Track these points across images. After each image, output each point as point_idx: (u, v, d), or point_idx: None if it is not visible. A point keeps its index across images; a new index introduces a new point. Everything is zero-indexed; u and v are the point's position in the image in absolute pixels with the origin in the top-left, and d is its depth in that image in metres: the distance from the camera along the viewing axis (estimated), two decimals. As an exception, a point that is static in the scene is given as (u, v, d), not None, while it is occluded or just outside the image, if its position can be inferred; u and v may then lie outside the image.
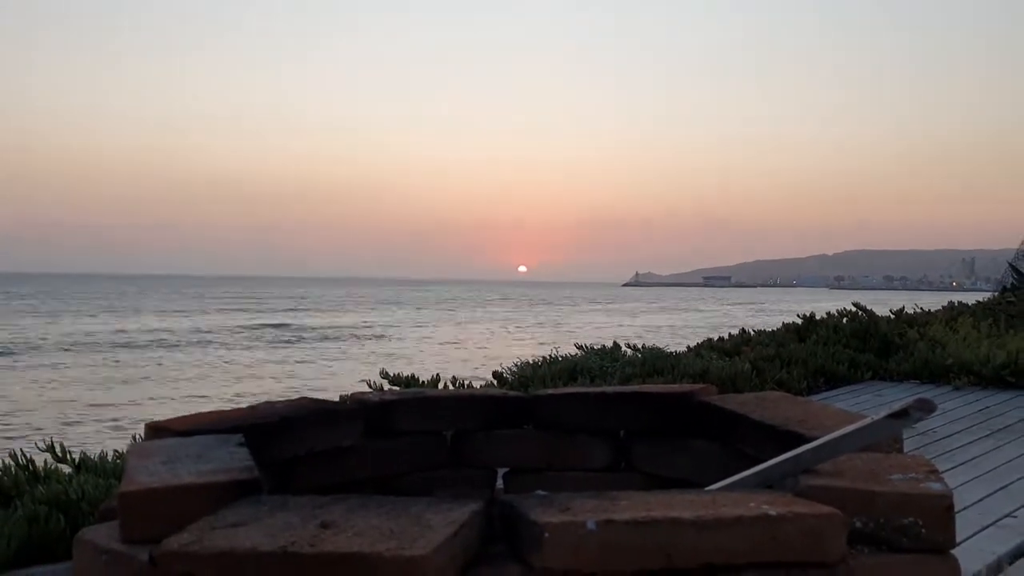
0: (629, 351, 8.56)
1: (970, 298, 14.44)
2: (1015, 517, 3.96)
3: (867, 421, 1.75)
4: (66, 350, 32.72)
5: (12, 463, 3.74)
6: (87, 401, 19.39)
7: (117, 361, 29.01)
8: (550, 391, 2.76)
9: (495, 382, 7.53)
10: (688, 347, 9.35)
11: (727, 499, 1.53)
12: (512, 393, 2.76)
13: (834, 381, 8.27)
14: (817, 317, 10.01)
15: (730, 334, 9.97)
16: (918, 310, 11.93)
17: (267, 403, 2.46)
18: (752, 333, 9.91)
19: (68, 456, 3.90)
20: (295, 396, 2.70)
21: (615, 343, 8.91)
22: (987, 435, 5.94)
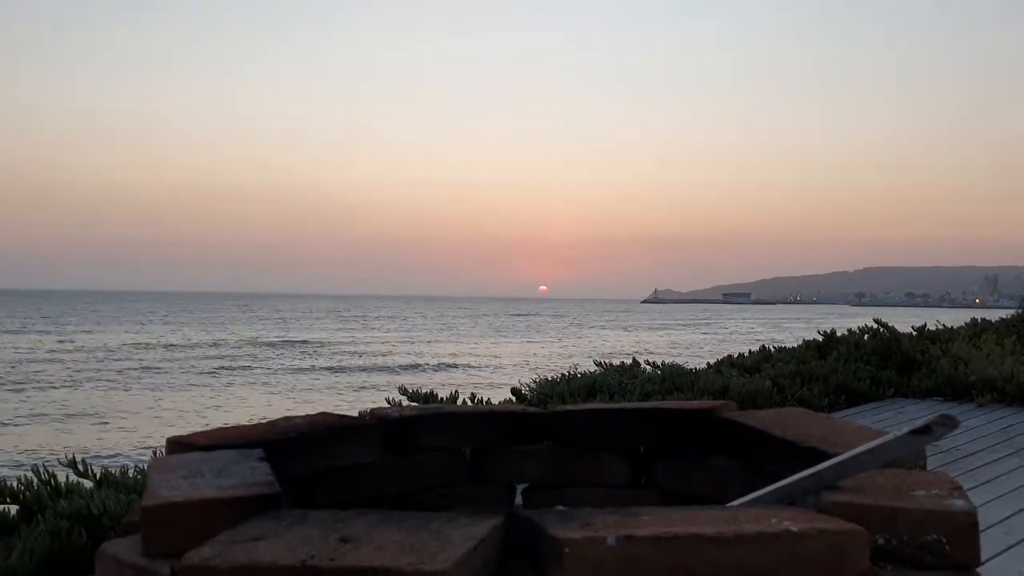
0: (648, 368, 8.54)
1: (993, 315, 14.31)
2: (1041, 536, 3.91)
3: (889, 437, 1.74)
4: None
5: (35, 478, 3.77)
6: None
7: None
8: (569, 407, 2.75)
9: (514, 398, 7.52)
10: (708, 364, 9.32)
11: (749, 515, 1.52)
12: (531, 409, 2.75)
13: (856, 398, 8.21)
14: (838, 334, 9.96)
15: (750, 351, 9.93)
16: (940, 327, 11.84)
17: (287, 418, 2.46)
18: (772, 350, 9.86)
19: (90, 471, 3.93)
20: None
21: (634, 360, 8.89)
22: (1011, 453, 5.88)
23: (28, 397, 24.94)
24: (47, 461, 4.08)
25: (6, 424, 19.59)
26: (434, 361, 39.13)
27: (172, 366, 34.98)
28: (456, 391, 6.89)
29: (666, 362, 8.77)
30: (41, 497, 3.62)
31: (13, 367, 32.32)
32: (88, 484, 3.84)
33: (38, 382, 28.58)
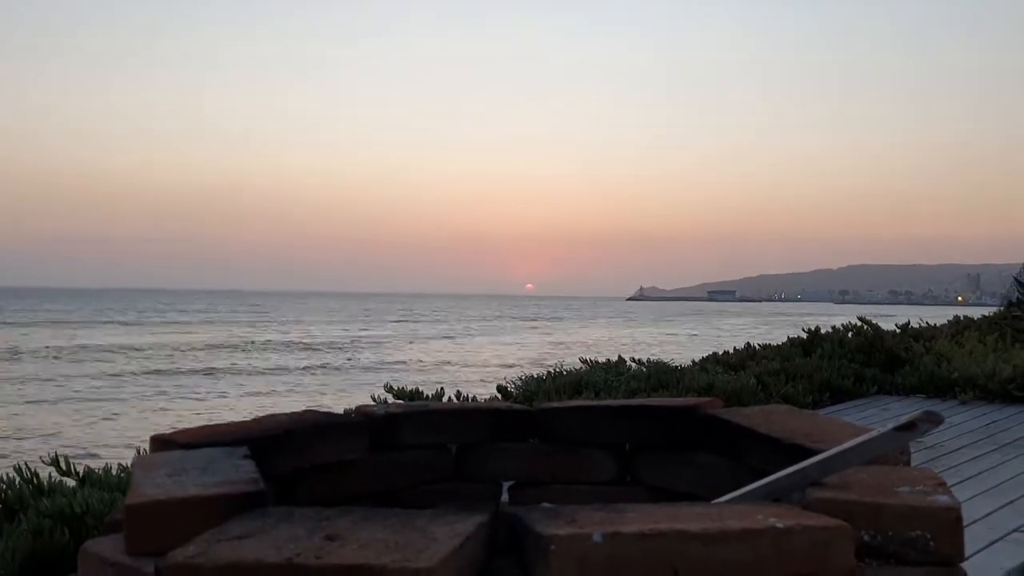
0: (634, 365, 8.55)
1: (976, 312, 14.40)
2: (1023, 532, 3.95)
3: (874, 434, 1.75)
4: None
5: (17, 476, 3.74)
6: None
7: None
8: (555, 404, 2.75)
9: (499, 396, 7.52)
10: (693, 361, 9.34)
11: (734, 512, 1.52)
12: (517, 406, 2.75)
13: (840, 395, 8.25)
14: (822, 331, 9.99)
15: (735, 348, 9.95)
16: (923, 324, 11.91)
17: (272, 416, 2.45)
18: (757, 347, 9.89)
19: (72, 469, 3.90)
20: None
21: (620, 357, 8.91)
22: (994, 449, 5.92)
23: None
24: (29, 459, 4.05)
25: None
26: (420, 358, 39.10)
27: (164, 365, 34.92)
28: (442, 388, 6.89)
29: (651, 359, 8.78)
30: (23, 496, 3.59)
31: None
32: (71, 483, 3.82)
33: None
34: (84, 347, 42.42)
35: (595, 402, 3.37)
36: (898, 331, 10.62)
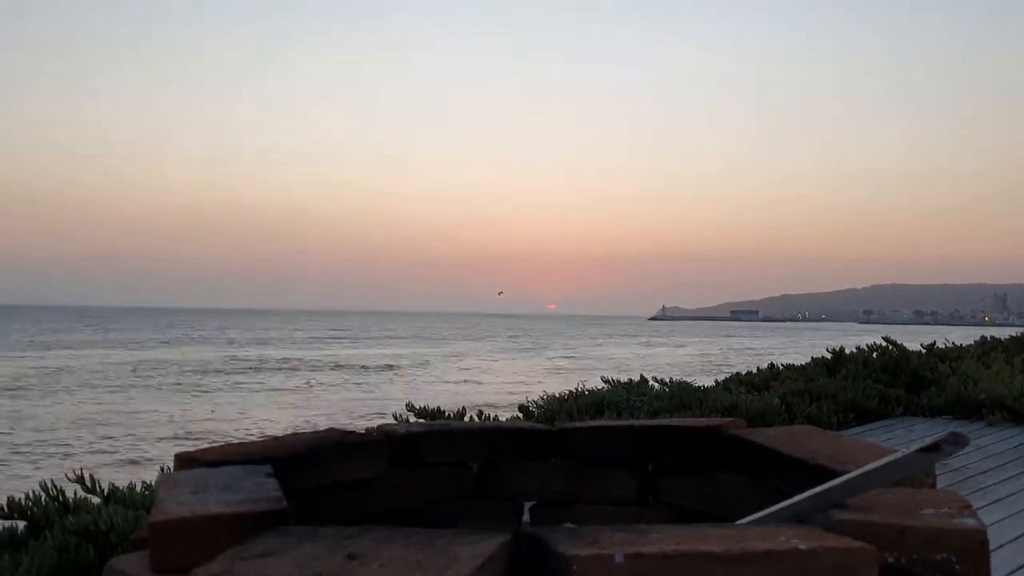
0: (656, 385, 8.52)
1: (1003, 333, 14.26)
2: (1052, 556, 3.89)
3: (898, 455, 1.73)
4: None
5: (42, 493, 3.77)
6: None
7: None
8: (577, 424, 2.74)
9: (521, 415, 7.51)
10: (716, 381, 9.30)
11: (756, 533, 1.51)
12: (539, 426, 2.75)
13: (864, 416, 8.17)
14: (847, 351, 9.93)
15: (758, 368, 9.90)
16: (949, 345, 11.80)
17: (294, 434, 2.47)
18: (781, 368, 9.84)
19: (97, 487, 3.93)
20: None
21: (642, 377, 8.87)
22: (1022, 472, 5.84)
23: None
24: (55, 476, 4.08)
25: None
26: (441, 378, 39.11)
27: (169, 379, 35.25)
28: (463, 408, 6.89)
29: (674, 379, 8.75)
30: (49, 513, 3.61)
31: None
32: (96, 500, 3.84)
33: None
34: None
35: (617, 422, 3.36)
36: (924, 351, 10.53)
